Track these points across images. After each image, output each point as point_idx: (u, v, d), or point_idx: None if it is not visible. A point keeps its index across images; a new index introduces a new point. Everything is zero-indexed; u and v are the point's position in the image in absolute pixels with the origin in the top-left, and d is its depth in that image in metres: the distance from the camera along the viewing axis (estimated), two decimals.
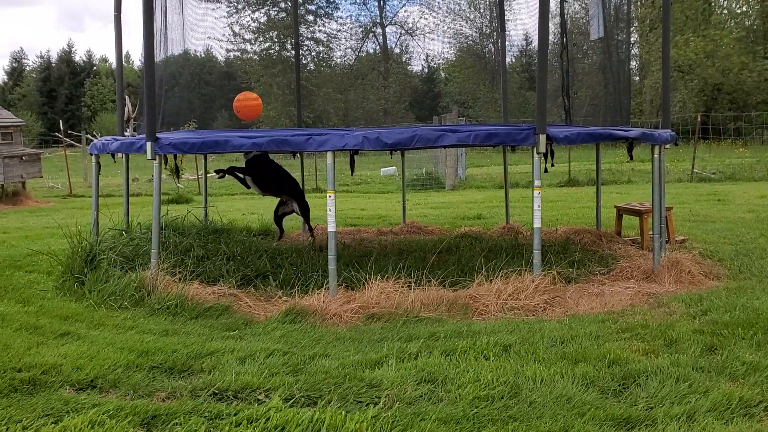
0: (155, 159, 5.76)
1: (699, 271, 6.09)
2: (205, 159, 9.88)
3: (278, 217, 8.02)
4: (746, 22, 36.41)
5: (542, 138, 5.34)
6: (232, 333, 4.69)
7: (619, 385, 3.59)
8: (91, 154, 6.80)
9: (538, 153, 5.39)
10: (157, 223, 5.80)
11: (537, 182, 5.44)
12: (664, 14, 6.71)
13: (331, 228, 5.40)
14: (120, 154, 6.91)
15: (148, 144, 5.71)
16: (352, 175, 7.53)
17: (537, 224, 5.44)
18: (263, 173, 7.50)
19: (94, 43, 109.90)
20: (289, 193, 7.72)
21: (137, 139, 6.15)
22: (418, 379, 3.71)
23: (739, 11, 37.23)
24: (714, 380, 3.59)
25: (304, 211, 7.80)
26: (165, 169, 6.89)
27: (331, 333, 4.66)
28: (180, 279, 5.64)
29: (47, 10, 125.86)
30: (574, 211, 10.80)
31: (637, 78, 35.87)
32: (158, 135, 5.83)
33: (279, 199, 7.91)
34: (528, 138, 5.42)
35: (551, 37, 9.87)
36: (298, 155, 9.49)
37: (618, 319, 4.76)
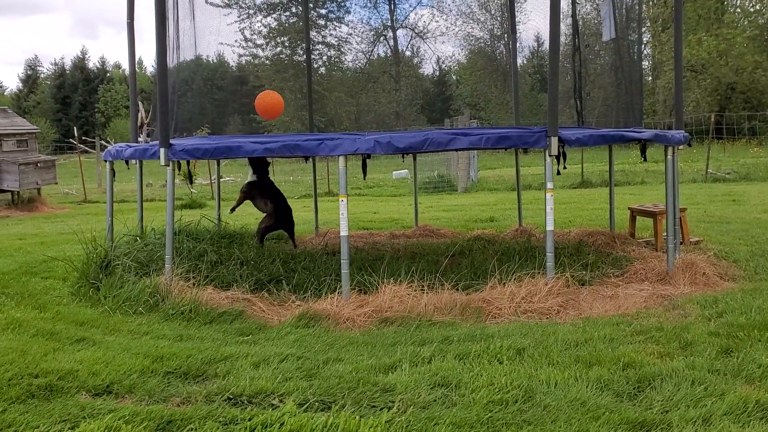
0: (169, 165, 5.80)
1: (714, 273, 6.05)
2: (218, 164, 9.93)
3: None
4: (759, 21, 36.07)
5: (554, 140, 5.33)
6: (245, 338, 4.71)
7: (633, 389, 3.57)
8: (105, 161, 6.85)
9: (550, 155, 5.38)
10: (171, 229, 5.84)
11: (549, 185, 5.43)
12: (675, 15, 6.67)
13: (343, 232, 5.41)
14: (134, 161, 6.96)
15: (162, 150, 5.75)
16: (364, 179, 7.56)
17: (550, 227, 5.42)
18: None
19: (108, 49, 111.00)
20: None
21: (151, 146, 6.20)
22: (432, 384, 3.70)
23: (752, 9, 36.88)
24: (730, 383, 3.56)
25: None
26: (178, 174, 6.98)
27: (345, 337, 4.67)
28: (194, 284, 5.68)
29: (61, 18, 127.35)
30: (588, 213, 10.75)
31: (650, 78, 35.66)
32: (171, 141, 5.87)
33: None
34: (540, 141, 5.41)
35: (563, 39, 9.85)
36: (311, 159, 9.52)
37: (632, 322, 4.74)
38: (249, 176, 7.89)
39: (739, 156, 23.01)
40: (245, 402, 3.54)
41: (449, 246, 7.43)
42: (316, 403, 3.49)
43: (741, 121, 26.86)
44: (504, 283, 5.42)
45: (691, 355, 4.00)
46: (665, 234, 6.47)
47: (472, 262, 6.46)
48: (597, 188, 15.57)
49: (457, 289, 5.48)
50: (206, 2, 8.79)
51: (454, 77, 52.10)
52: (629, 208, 8.24)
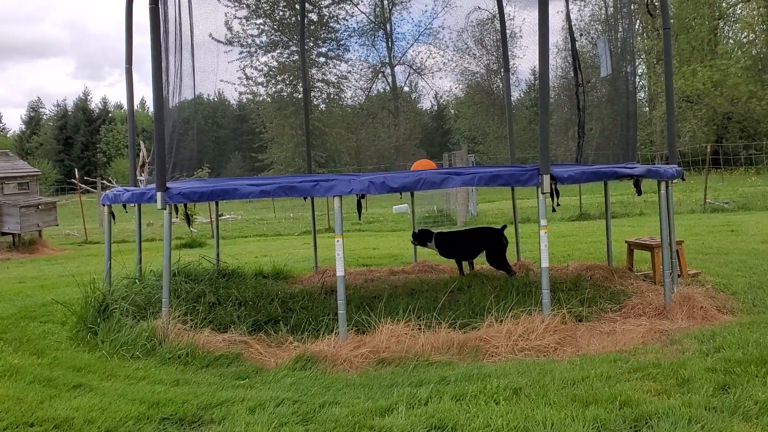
0: (165, 209, 5.84)
1: (712, 306, 6.04)
2: (217, 203, 10.00)
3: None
4: (753, 51, 36.54)
5: (546, 178, 5.37)
6: (242, 382, 4.70)
7: (630, 428, 3.55)
8: (104, 205, 6.90)
9: (542, 193, 5.41)
10: (168, 272, 5.86)
11: (543, 222, 5.45)
12: (665, 54, 6.77)
13: (339, 273, 5.43)
14: (132, 204, 7.01)
15: (159, 194, 5.80)
16: (359, 220, 7.60)
17: (545, 264, 5.44)
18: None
19: (114, 90, 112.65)
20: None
21: (148, 189, 6.26)
22: (428, 426, 3.68)
23: (745, 40, 37.41)
24: (727, 421, 3.54)
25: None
26: (176, 217, 6.96)
27: (342, 379, 4.66)
28: (191, 327, 5.68)
29: (66, 61, 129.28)
30: (586, 246, 10.76)
31: (647, 109, 35.96)
32: (168, 185, 5.92)
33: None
34: (532, 178, 5.45)
35: (561, 73, 9.96)
36: (309, 198, 9.58)
37: (629, 359, 4.72)
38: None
39: (737, 185, 23.08)
40: None
41: (447, 282, 7.44)
42: None
43: (738, 151, 27.01)
44: (501, 321, 5.41)
45: (688, 393, 3.98)
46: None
47: (470, 299, 6.46)
48: (595, 220, 15.59)
49: (455, 328, 5.46)
50: (209, 37, 8.90)
51: (452, 111, 52.53)
52: (626, 242, 8.26)
